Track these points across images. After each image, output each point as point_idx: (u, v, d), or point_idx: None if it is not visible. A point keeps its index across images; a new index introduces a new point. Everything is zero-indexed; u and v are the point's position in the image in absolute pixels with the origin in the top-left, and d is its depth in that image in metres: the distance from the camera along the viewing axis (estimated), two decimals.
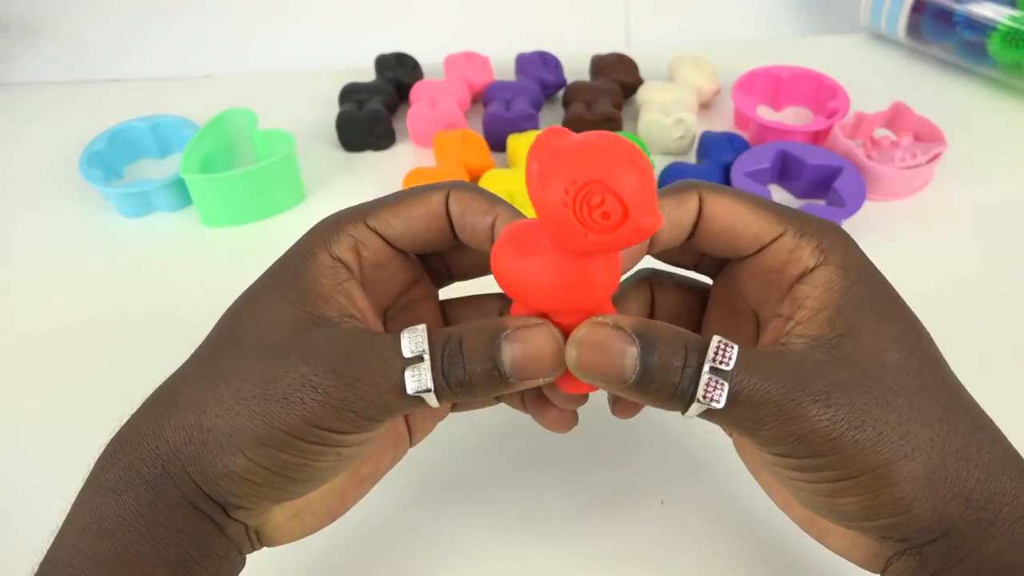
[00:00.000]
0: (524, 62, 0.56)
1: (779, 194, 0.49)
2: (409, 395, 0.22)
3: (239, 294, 0.26)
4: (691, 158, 0.52)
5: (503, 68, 0.57)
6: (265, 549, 0.27)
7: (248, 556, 0.26)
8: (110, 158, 0.51)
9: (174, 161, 0.53)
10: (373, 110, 0.52)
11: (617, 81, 0.55)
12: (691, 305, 0.29)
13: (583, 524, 0.33)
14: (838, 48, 0.62)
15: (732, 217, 0.25)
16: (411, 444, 0.29)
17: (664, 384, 0.22)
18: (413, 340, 0.23)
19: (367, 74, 0.57)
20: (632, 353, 0.22)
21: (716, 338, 0.22)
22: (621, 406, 0.28)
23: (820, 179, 0.47)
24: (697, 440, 0.36)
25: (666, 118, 0.51)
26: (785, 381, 0.22)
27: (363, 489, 0.28)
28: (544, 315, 0.24)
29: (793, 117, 0.55)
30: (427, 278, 0.28)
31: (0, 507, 0.34)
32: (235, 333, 0.24)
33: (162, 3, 0.67)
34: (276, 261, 0.26)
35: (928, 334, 0.25)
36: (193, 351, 0.26)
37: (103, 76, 0.64)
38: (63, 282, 0.45)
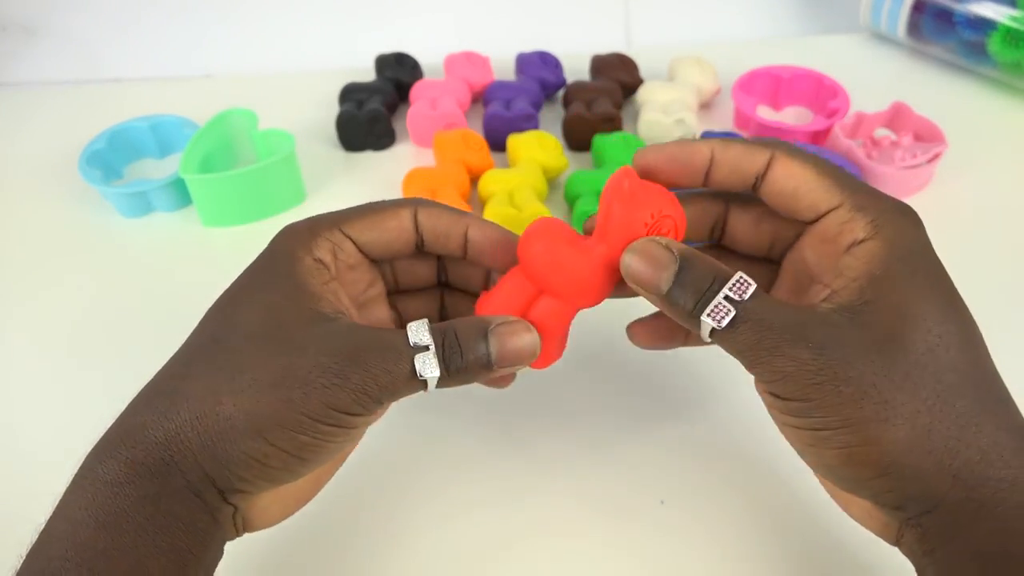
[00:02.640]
0: (524, 62, 0.56)
1: None
2: (415, 380, 0.26)
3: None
4: None
5: (503, 68, 0.57)
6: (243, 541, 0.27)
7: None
8: (110, 158, 0.51)
9: (174, 161, 0.53)
10: (373, 110, 0.52)
11: (617, 81, 0.55)
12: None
13: (583, 524, 0.33)
14: (838, 48, 0.62)
15: (795, 181, 0.27)
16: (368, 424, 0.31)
17: (686, 301, 0.26)
18: (418, 332, 0.26)
19: (367, 74, 0.57)
20: (672, 270, 0.26)
21: (739, 273, 0.25)
22: (637, 330, 0.31)
23: None
24: (697, 440, 0.36)
25: (666, 118, 0.51)
26: (786, 324, 0.24)
27: (332, 472, 0.30)
28: (539, 297, 0.28)
29: (793, 117, 0.55)
30: (380, 280, 0.32)
31: None
32: (240, 329, 0.26)
33: (162, 3, 0.67)
34: (256, 263, 0.28)
35: (973, 322, 0.26)
36: (182, 348, 0.27)
37: (103, 76, 0.64)
38: (63, 282, 0.45)
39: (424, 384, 0.26)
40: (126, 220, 0.49)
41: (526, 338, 0.27)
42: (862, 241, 0.26)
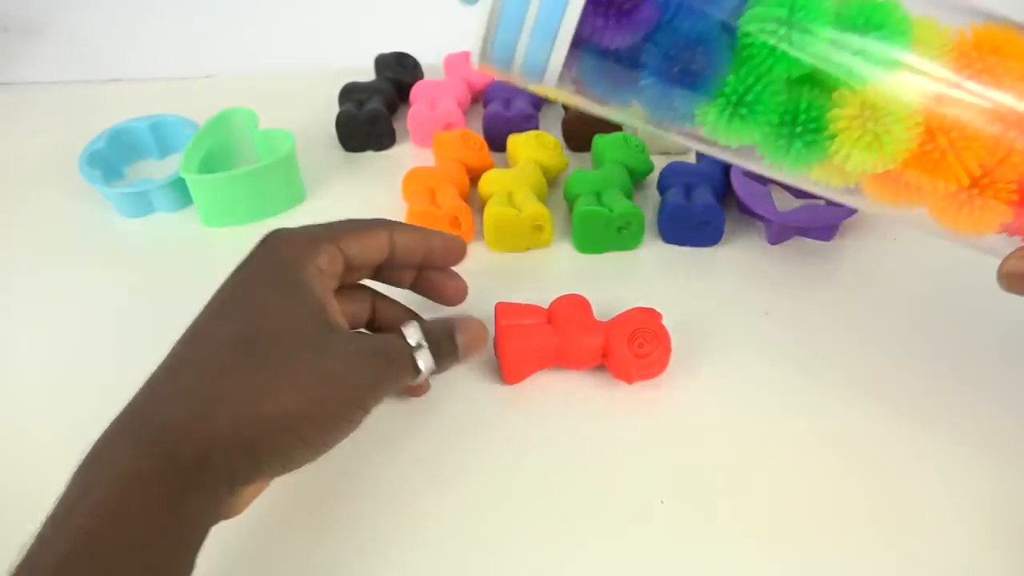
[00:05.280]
0: None
1: (778, 194, 0.49)
2: (417, 372, 0.31)
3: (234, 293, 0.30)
4: (691, 158, 0.52)
5: None
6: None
7: None
8: (110, 158, 0.51)
9: (174, 161, 0.53)
10: (373, 110, 0.52)
11: None
12: None
13: (583, 524, 0.33)
14: None
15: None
16: None
17: None
18: (415, 335, 0.32)
19: (367, 74, 0.57)
20: None
21: None
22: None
23: None
24: (697, 440, 0.36)
25: None
26: None
27: None
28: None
29: None
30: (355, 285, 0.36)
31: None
32: (267, 333, 0.28)
33: (162, 3, 0.67)
34: (258, 266, 0.31)
35: None
36: (205, 349, 0.28)
37: (103, 76, 0.64)
38: (63, 282, 0.45)
39: (419, 372, 0.32)
40: (126, 220, 0.49)
41: (483, 340, 0.35)
42: None
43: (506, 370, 0.38)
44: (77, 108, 0.59)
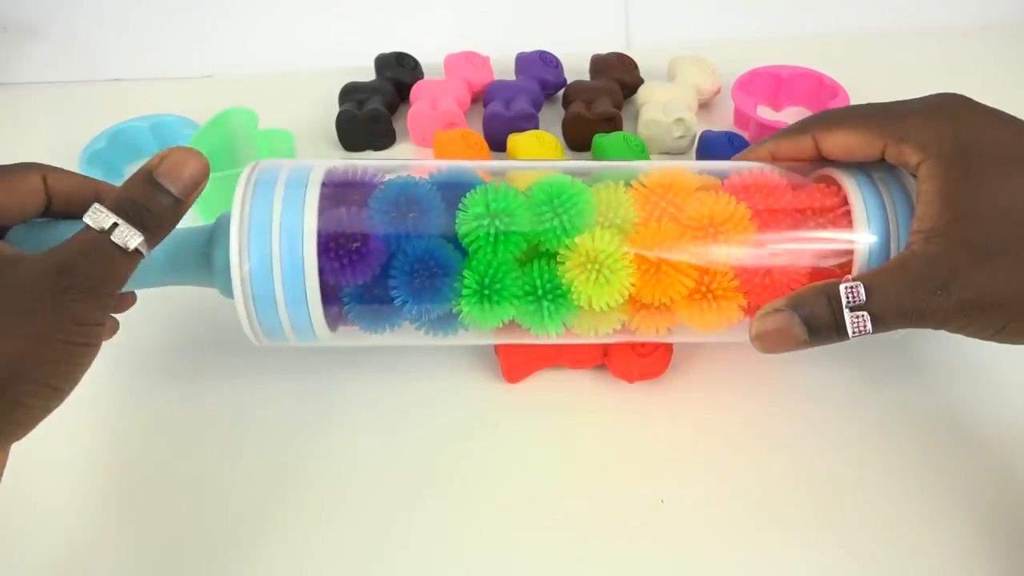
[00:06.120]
0: (524, 62, 0.56)
1: None
2: (127, 254, 0.26)
3: None
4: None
5: (503, 68, 0.57)
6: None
7: None
8: (110, 158, 0.51)
9: None
10: (373, 110, 0.52)
11: (617, 81, 0.55)
12: None
13: (583, 524, 0.33)
14: (838, 48, 0.62)
15: (840, 147, 0.32)
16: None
17: (827, 330, 0.29)
18: (98, 217, 0.26)
19: (367, 74, 0.57)
20: (796, 321, 0.29)
21: (842, 285, 0.29)
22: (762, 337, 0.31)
23: None
24: (697, 440, 0.36)
25: (666, 118, 0.51)
26: (910, 290, 0.28)
27: None
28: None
29: (793, 117, 0.55)
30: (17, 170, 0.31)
31: None
32: None
33: (162, 3, 0.67)
34: None
35: None
36: None
37: (103, 76, 0.64)
38: None
39: (139, 253, 0.27)
40: None
41: (192, 160, 0.28)
42: (918, 165, 0.29)
43: (506, 370, 0.38)
44: (77, 108, 0.59)
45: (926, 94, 0.32)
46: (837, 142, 0.32)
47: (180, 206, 0.28)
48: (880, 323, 0.28)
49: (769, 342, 0.30)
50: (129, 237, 0.26)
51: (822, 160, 0.34)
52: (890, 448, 0.36)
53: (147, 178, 0.27)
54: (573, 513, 0.34)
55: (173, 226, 0.28)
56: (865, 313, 0.28)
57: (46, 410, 0.26)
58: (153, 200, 0.27)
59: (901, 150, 0.30)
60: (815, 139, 0.33)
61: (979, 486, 0.34)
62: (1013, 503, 0.33)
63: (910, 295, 0.28)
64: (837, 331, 0.29)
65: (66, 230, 0.30)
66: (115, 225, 0.26)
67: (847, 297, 0.28)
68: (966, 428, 0.36)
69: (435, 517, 0.34)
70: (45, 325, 0.25)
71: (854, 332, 0.28)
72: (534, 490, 0.35)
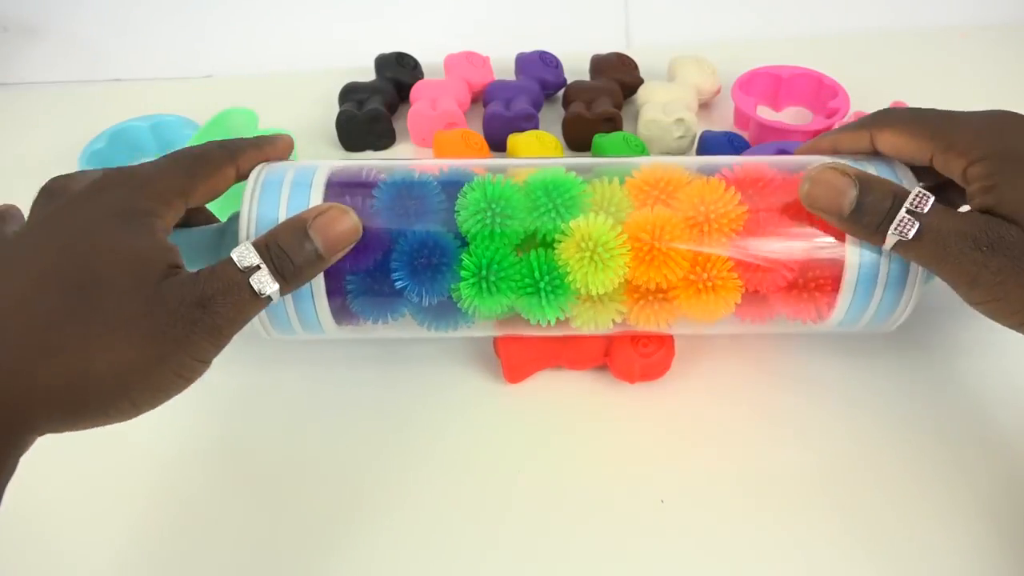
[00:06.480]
0: (524, 62, 0.56)
1: None
2: (258, 299, 0.27)
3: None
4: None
5: (503, 68, 0.57)
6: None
7: None
8: (110, 158, 0.51)
9: None
10: (373, 110, 0.52)
11: (617, 81, 0.55)
12: None
13: (583, 524, 0.33)
14: (838, 48, 0.62)
15: (893, 148, 0.32)
16: None
17: (871, 219, 0.29)
18: (245, 255, 0.27)
19: (367, 74, 0.57)
20: (851, 193, 0.29)
21: (917, 188, 0.29)
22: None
23: None
24: (697, 441, 0.36)
25: (666, 118, 0.51)
26: (963, 232, 0.28)
27: None
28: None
29: (793, 117, 0.55)
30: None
31: None
32: (104, 279, 0.25)
33: (162, 3, 0.67)
34: (99, 209, 0.27)
35: None
36: (38, 290, 0.25)
37: (103, 76, 0.64)
38: None
39: (269, 299, 0.27)
40: None
41: (345, 221, 0.29)
42: (964, 169, 0.29)
43: (506, 370, 0.38)
44: (77, 108, 0.59)
45: (926, 97, 0.32)
46: (887, 141, 0.32)
47: (321, 263, 0.29)
48: (924, 235, 0.28)
49: (817, 191, 0.30)
50: (266, 284, 0.27)
51: (879, 156, 0.34)
52: (891, 447, 0.36)
53: (299, 227, 0.28)
54: (573, 513, 0.34)
55: (308, 280, 0.29)
56: (915, 220, 0.28)
57: (113, 422, 0.26)
58: (298, 251, 0.28)
59: (947, 158, 0.30)
60: (871, 135, 0.33)
61: (991, 478, 0.34)
62: None
63: (966, 227, 0.28)
64: (877, 227, 0.29)
65: (201, 237, 0.32)
66: (258, 267, 0.27)
67: (913, 200, 0.29)
68: (977, 421, 0.36)
69: (435, 517, 0.34)
70: (167, 351, 0.25)
71: (895, 229, 0.29)
72: (534, 490, 0.35)
